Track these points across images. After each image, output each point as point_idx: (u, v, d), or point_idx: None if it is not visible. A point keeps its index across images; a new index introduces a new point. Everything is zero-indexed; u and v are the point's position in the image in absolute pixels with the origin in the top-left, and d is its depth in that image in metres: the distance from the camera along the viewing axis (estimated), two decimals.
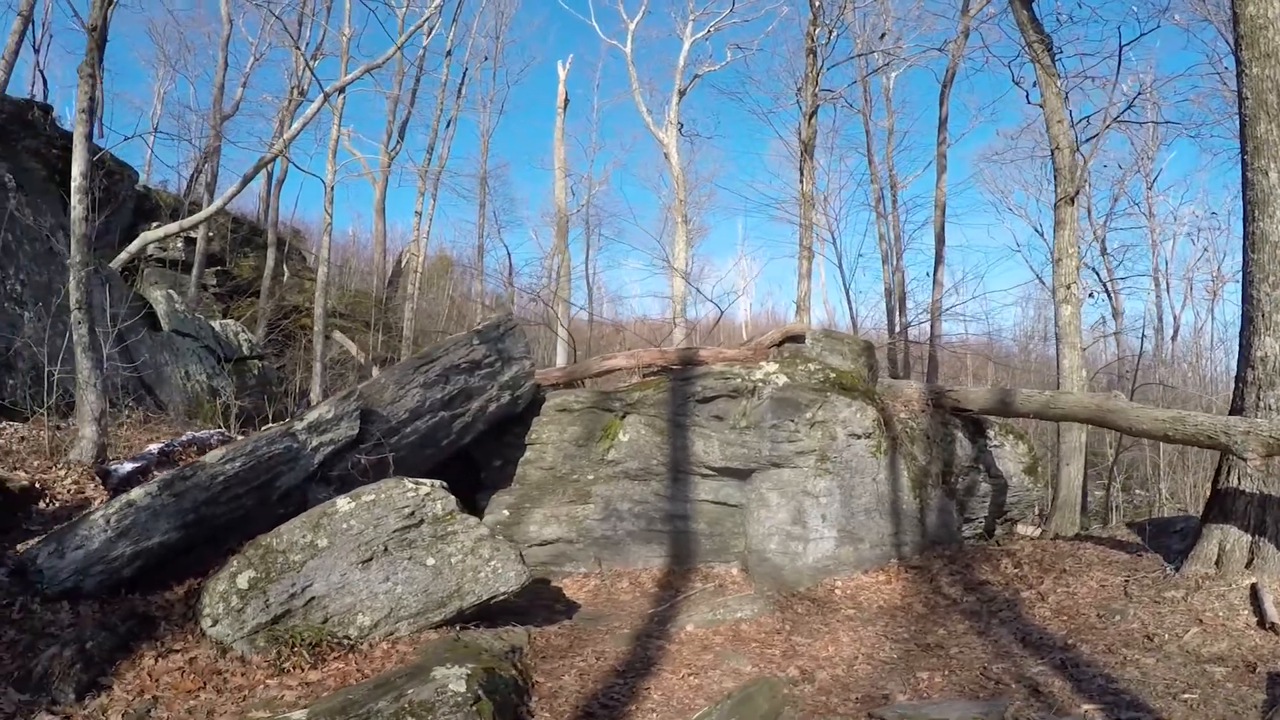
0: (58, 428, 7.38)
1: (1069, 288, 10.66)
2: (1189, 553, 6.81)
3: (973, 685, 5.45)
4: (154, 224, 15.72)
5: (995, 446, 9.53)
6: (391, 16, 20.43)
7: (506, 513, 8.68)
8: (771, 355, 9.43)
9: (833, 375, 8.71)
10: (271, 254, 21.28)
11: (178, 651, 5.01)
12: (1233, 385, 7.10)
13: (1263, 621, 5.70)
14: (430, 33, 22.93)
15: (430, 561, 5.75)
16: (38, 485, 6.29)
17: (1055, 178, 10.88)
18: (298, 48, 18.07)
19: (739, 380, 8.61)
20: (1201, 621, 5.83)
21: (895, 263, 21.80)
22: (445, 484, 6.21)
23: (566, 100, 23.87)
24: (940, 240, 19.51)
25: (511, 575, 5.98)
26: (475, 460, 9.07)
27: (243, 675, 4.88)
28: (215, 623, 5.15)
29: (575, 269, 26.81)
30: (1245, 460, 6.17)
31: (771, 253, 69.06)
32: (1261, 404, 6.49)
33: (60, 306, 7.93)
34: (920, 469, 8.75)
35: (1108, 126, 11.57)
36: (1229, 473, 6.64)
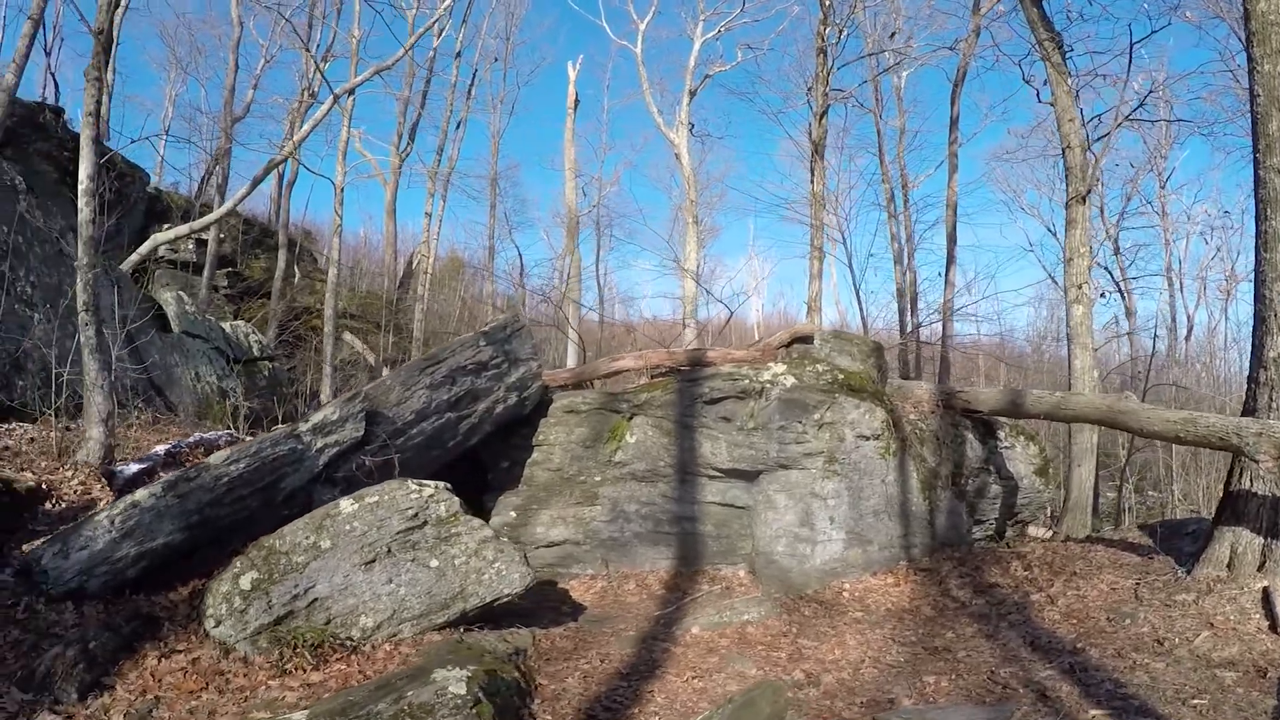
0: (67, 429, 7.41)
1: (1080, 287, 10.57)
2: (1200, 555, 6.73)
3: (980, 689, 5.39)
4: (165, 226, 15.79)
5: (1006, 448, 9.45)
6: (398, 18, 20.49)
7: (514, 514, 8.67)
8: (780, 356, 9.38)
9: (841, 376, 8.66)
10: (282, 255, 21.36)
11: (181, 652, 5.02)
12: (1245, 386, 7.01)
13: (1274, 625, 5.62)
14: (440, 34, 23.01)
15: (434, 563, 5.74)
16: (45, 486, 6.32)
17: (1066, 177, 10.80)
18: (308, 50, 18.17)
19: (747, 381, 8.57)
20: (1212, 625, 5.75)
21: (907, 263, 21.70)
22: (449, 485, 6.20)
23: (577, 101, 23.88)
24: (952, 240, 19.38)
25: (515, 577, 5.96)
26: (482, 462, 9.07)
27: (245, 676, 4.88)
28: (218, 623, 5.15)
29: (586, 270, 26.83)
30: (1257, 462, 6.08)
31: (783, 253, 69.12)
32: (1274, 405, 6.41)
33: (70, 308, 7.96)
34: (930, 470, 8.68)
35: (1119, 125, 11.47)
36: (1241, 475, 6.56)
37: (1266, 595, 5.95)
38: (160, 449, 7.21)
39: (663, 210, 65.33)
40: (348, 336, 21.00)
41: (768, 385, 8.49)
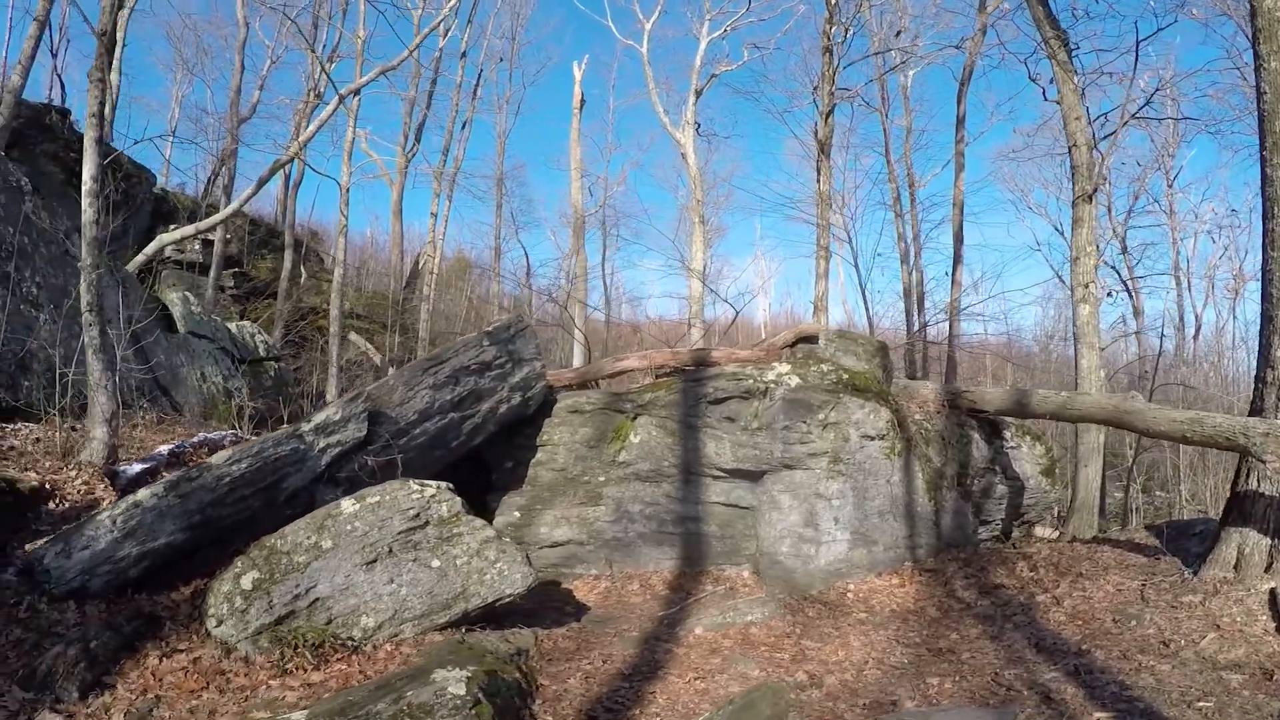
0: (72, 429, 7.42)
1: (1087, 286, 10.52)
2: (1207, 556, 6.68)
3: (983, 692, 5.36)
4: (171, 226, 15.85)
5: (1012, 448, 9.41)
6: (401, 19, 20.63)
7: (517, 514, 8.66)
8: (784, 356, 9.35)
9: (846, 376, 8.62)
10: (289, 256, 21.41)
11: (182, 651, 5.02)
12: (1253, 386, 6.96)
13: None
14: (446, 35, 23.03)
15: (435, 563, 5.73)
16: (48, 486, 6.32)
17: (1073, 175, 10.74)
18: (313, 51, 18.19)
19: (751, 381, 8.55)
20: (1219, 627, 5.70)
21: (913, 262, 21.63)
22: (451, 485, 6.19)
23: (583, 101, 23.88)
24: (959, 239, 19.33)
25: (518, 577, 5.95)
26: (486, 462, 9.07)
27: (246, 675, 4.88)
28: (220, 623, 5.15)
29: (592, 270, 26.84)
30: (1264, 462, 6.04)
31: (789, 253, 68.91)
32: None
33: (75, 309, 7.98)
34: (935, 470, 8.65)
35: (1125, 123, 11.40)
36: (1248, 475, 6.51)
37: (1273, 596, 5.90)
38: (164, 449, 7.22)
39: (669, 210, 65.42)
40: (353, 337, 21.04)
41: (772, 385, 8.46)
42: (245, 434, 9.08)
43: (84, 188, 6.78)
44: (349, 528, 5.61)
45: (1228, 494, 7.03)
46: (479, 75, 27.54)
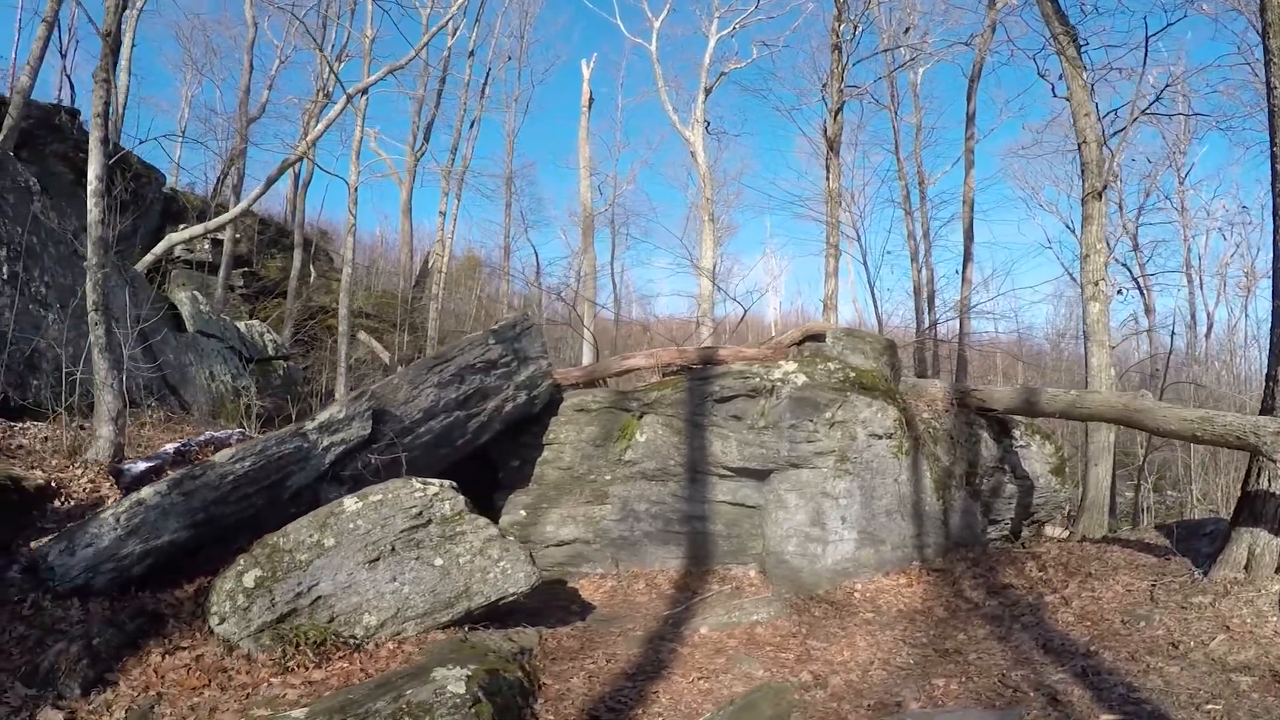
0: (80, 428, 7.46)
1: (1097, 284, 10.42)
2: (1217, 557, 6.60)
3: (990, 693, 5.31)
4: (181, 226, 15.92)
5: (1021, 447, 9.33)
6: (405, 17, 20.57)
7: (523, 513, 8.65)
8: (791, 354, 9.31)
9: (853, 374, 8.56)
10: (298, 255, 21.49)
11: (185, 649, 5.03)
12: (1264, 384, 6.88)
13: None
14: (454, 34, 23.05)
15: (438, 562, 5.72)
16: (54, 484, 6.35)
17: (1082, 172, 10.65)
18: (321, 50, 18.22)
19: (757, 380, 8.50)
20: (1229, 628, 5.63)
21: (923, 260, 21.53)
22: (455, 484, 6.18)
23: (591, 99, 23.87)
24: (969, 237, 19.21)
25: (521, 576, 5.93)
26: (493, 460, 9.06)
27: (247, 673, 4.89)
28: (222, 621, 5.16)
29: (601, 268, 26.83)
30: (1275, 462, 5.97)
31: (799, 251, 68.69)
32: None
33: (83, 308, 8.02)
34: (944, 470, 8.59)
35: (1135, 119, 11.27)
36: (1259, 474, 6.42)
37: None
38: (169, 447, 7.25)
39: (679, 208, 65.28)
40: (363, 336, 21.10)
41: (778, 383, 8.41)
42: (253, 433, 9.12)
43: (89, 187, 6.81)
44: (351, 526, 5.61)
45: (1238, 494, 6.95)
46: (487, 74, 27.62)
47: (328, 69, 18.16)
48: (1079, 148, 10.65)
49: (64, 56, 19.07)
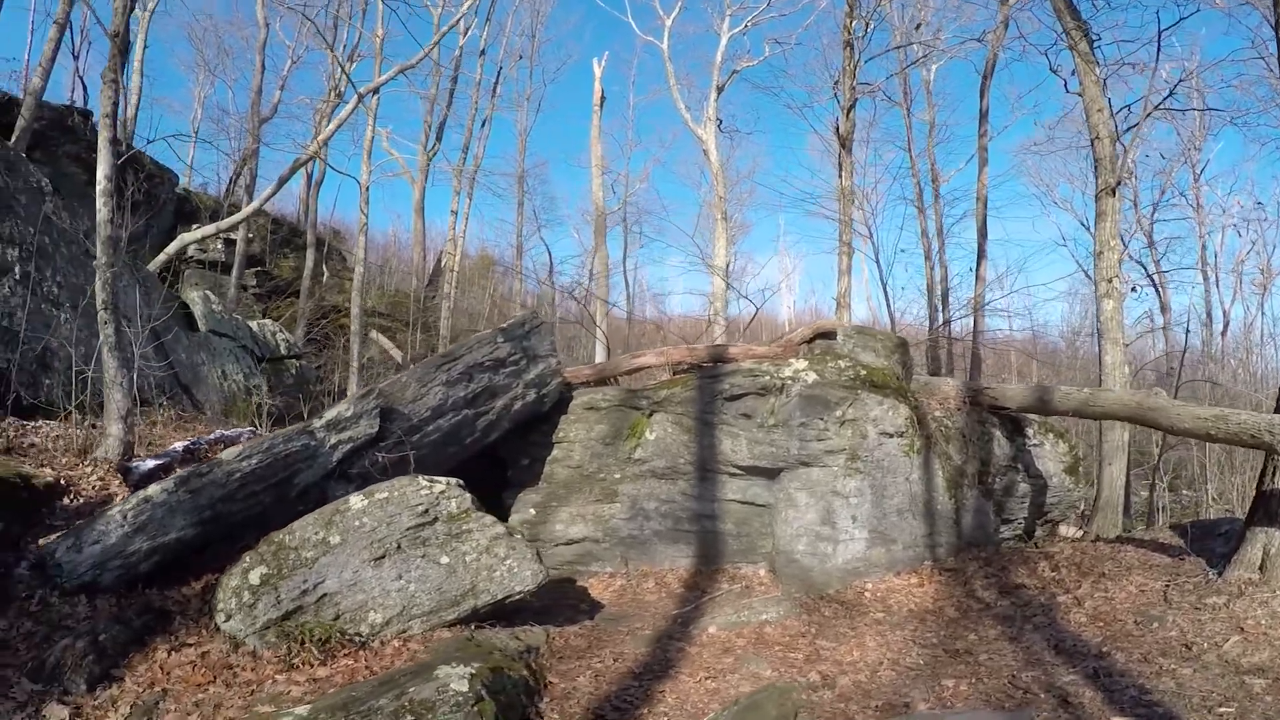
0: (92, 426, 7.49)
1: (1111, 281, 10.31)
2: (1232, 557, 6.51)
3: (999, 694, 5.25)
4: (194, 226, 16.00)
5: (1035, 445, 9.25)
6: (414, 16, 20.70)
7: (533, 511, 8.64)
8: (801, 352, 9.25)
9: (864, 372, 8.50)
10: (311, 254, 21.56)
11: (191, 645, 5.05)
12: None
13: None
14: (466, 33, 23.08)
15: (444, 560, 5.71)
16: (63, 481, 6.38)
17: (1095, 168, 10.54)
18: (332, 50, 18.27)
19: (767, 378, 8.46)
20: (1242, 629, 5.55)
21: (936, 258, 21.36)
22: (461, 482, 6.17)
23: (603, 98, 23.82)
24: (982, 234, 19.04)
25: (528, 574, 5.91)
26: (502, 459, 9.05)
27: (253, 670, 4.89)
28: (228, 618, 5.16)
29: (614, 267, 26.83)
30: None
31: (812, 249, 68.40)
32: None
33: (94, 307, 8.06)
34: (955, 468, 8.51)
35: (1149, 114, 11.16)
36: (1274, 474, 6.33)
37: None
38: (178, 445, 7.26)
39: (691, 206, 65.06)
40: (375, 335, 21.15)
41: (789, 382, 8.37)
42: (264, 431, 9.13)
43: (99, 187, 6.84)
44: (357, 524, 5.60)
45: (1254, 493, 6.85)
46: (498, 73, 27.63)
47: (339, 69, 18.21)
48: (1092, 144, 10.55)
49: (76, 58, 19.23)
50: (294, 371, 15.23)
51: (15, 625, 4.84)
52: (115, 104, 6.98)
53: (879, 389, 8.34)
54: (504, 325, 8.37)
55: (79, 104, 15.03)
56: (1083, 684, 5.20)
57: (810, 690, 5.55)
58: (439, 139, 25.24)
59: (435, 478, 6.08)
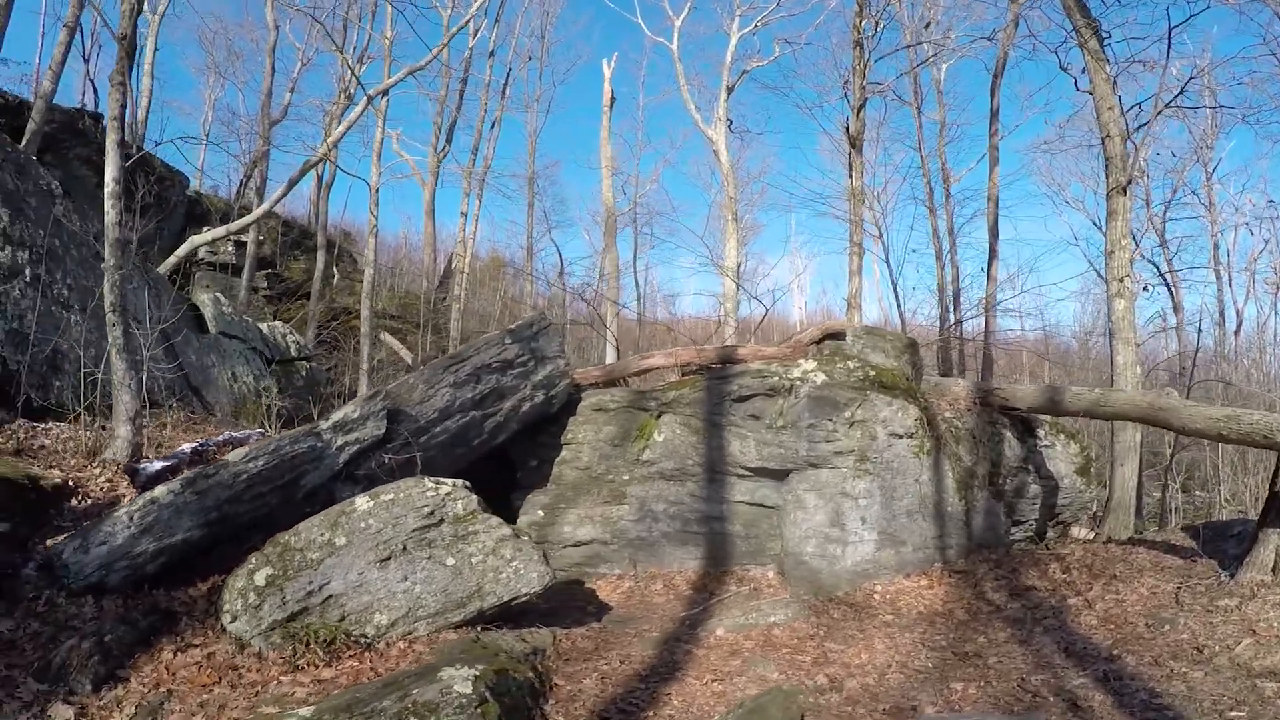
0: (102, 428, 7.53)
1: (1122, 281, 10.22)
2: (1244, 559, 6.44)
3: (1008, 698, 5.20)
4: (204, 228, 16.07)
5: (1046, 446, 9.18)
6: (421, 19, 20.76)
7: (541, 513, 8.62)
8: (810, 353, 9.21)
9: (873, 373, 8.46)
10: (321, 256, 21.63)
11: (196, 646, 5.05)
12: None
13: None
14: (475, 34, 23.12)
15: (450, 561, 5.70)
16: (72, 483, 6.41)
17: (1106, 167, 10.46)
18: (342, 53, 18.33)
19: (776, 379, 8.42)
20: (1255, 632, 5.48)
21: (947, 258, 21.25)
22: (468, 483, 6.16)
23: (613, 99, 23.81)
24: (994, 234, 18.96)
25: (534, 576, 5.89)
26: (510, 460, 9.04)
27: (258, 671, 4.90)
28: (234, 619, 5.17)
29: (624, 268, 26.78)
30: None
31: (823, 249, 68.21)
32: None
33: (104, 309, 8.10)
34: (966, 470, 8.45)
35: (1160, 112, 11.06)
36: None
37: None
38: (186, 447, 7.28)
39: (702, 207, 65.19)
40: (385, 337, 21.19)
41: (797, 382, 8.33)
42: (273, 433, 9.15)
43: (106, 189, 6.87)
44: (363, 525, 5.60)
45: (1267, 494, 6.77)
46: (508, 74, 27.65)
47: (349, 71, 18.29)
48: (1103, 142, 10.47)
49: (86, 61, 19.29)
50: (304, 373, 15.28)
51: (22, 625, 4.86)
52: (123, 107, 7.01)
53: (888, 390, 8.29)
54: (512, 327, 8.37)
55: (89, 107, 15.13)
56: (1093, 687, 5.15)
57: (817, 693, 5.51)
58: (449, 140, 25.28)
59: (441, 479, 6.07)
